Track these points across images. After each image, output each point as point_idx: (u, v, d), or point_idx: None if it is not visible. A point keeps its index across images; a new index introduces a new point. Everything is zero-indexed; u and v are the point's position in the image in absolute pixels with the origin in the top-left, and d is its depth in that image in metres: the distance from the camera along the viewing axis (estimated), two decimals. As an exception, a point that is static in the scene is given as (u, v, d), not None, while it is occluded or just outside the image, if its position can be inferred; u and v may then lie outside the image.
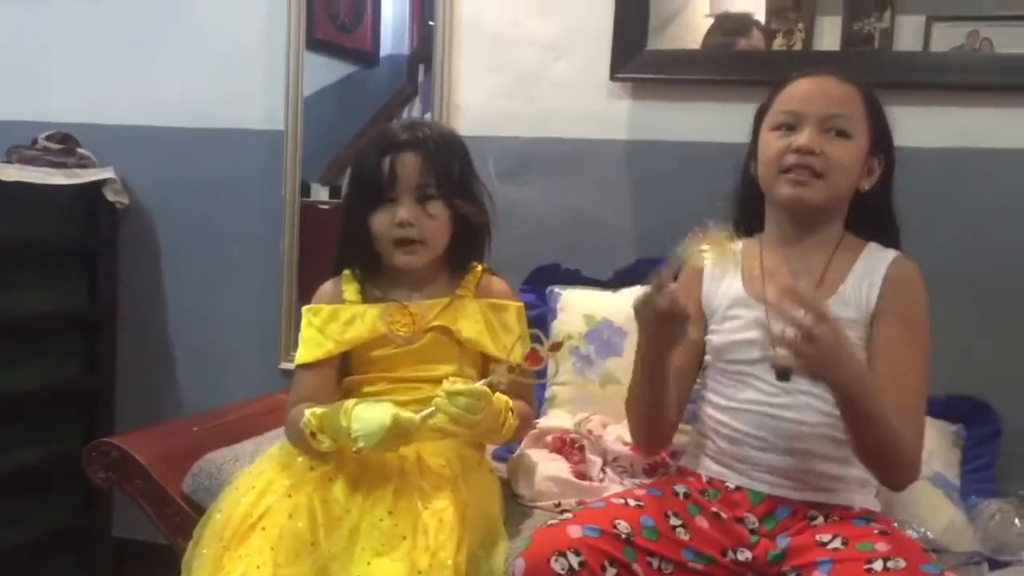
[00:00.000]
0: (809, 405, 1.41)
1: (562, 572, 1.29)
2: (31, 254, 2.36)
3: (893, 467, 1.39)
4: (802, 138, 1.44)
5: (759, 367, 1.44)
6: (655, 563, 1.36)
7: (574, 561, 1.30)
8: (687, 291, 1.56)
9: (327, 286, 1.69)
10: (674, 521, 1.40)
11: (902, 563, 1.28)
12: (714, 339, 1.53)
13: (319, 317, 1.64)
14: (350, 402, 1.45)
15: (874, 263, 1.47)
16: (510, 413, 1.52)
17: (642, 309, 1.37)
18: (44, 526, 2.39)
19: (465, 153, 1.67)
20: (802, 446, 1.43)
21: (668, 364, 1.44)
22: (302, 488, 1.47)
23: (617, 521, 1.36)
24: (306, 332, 1.64)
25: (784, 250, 1.51)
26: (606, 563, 1.32)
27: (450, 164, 1.61)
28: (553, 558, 1.30)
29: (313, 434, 1.46)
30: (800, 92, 1.48)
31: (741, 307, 1.50)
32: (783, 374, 1.30)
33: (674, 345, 1.40)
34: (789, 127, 1.46)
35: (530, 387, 1.64)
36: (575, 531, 1.33)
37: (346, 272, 1.69)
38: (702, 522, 1.42)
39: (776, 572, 1.38)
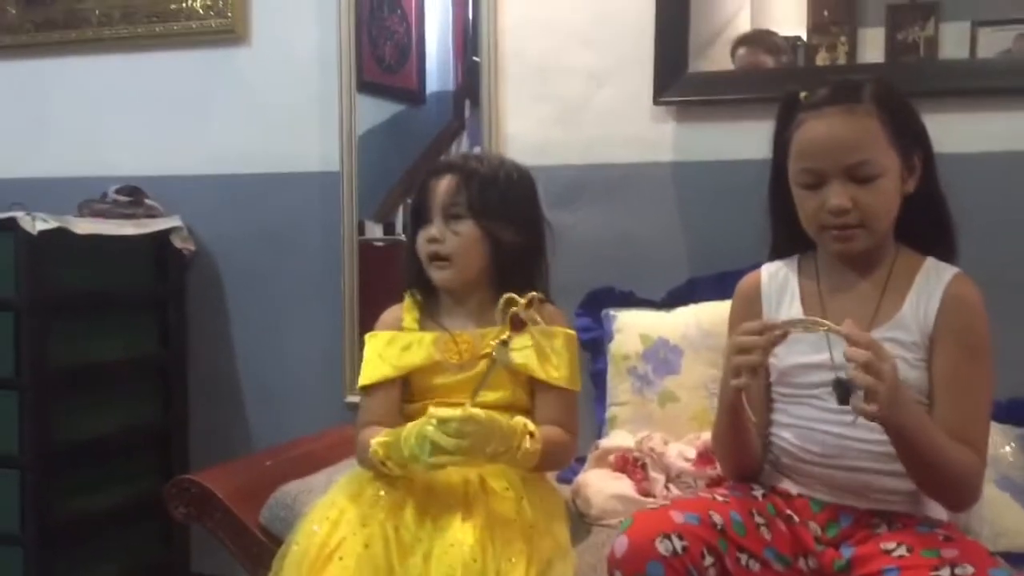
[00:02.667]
0: (868, 424, 1.40)
1: (666, 554, 1.28)
2: (106, 303, 2.46)
3: (949, 493, 1.40)
4: (832, 199, 1.41)
5: (819, 389, 1.43)
6: (743, 559, 1.34)
7: (678, 545, 1.28)
8: (746, 315, 1.56)
9: (388, 313, 1.76)
10: (758, 519, 1.39)
11: (970, 568, 1.27)
12: (775, 362, 1.51)
13: (378, 342, 1.71)
14: (405, 428, 1.50)
15: (932, 283, 1.45)
16: (527, 437, 1.52)
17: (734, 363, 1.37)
18: (127, 564, 2.47)
19: (518, 182, 1.71)
20: (863, 463, 1.43)
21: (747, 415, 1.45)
22: (374, 517, 1.51)
23: (711, 512, 1.35)
24: (367, 356, 1.71)
25: (838, 273, 1.51)
26: (705, 551, 1.30)
27: (488, 187, 1.66)
28: (659, 539, 1.28)
29: (383, 463, 1.52)
30: (814, 144, 1.43)
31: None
32: (844, 396, 1.30)
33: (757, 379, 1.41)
34: (815, 184, 1.44)
35: (570, 412, 1.67)
36: (677, 516, 1.32)
37: (408, 300, 1.75)
38: (779, 524, 1.42)
39: (843, 582, 1.39)
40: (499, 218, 1.66)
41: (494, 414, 1.49)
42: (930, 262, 1.49)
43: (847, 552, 1.39)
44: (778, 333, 1.35)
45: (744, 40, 2.20)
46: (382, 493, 1.54)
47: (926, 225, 1.50)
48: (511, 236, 1.67)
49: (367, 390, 1.70)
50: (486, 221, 1.65)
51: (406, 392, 1.71)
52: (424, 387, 1.69)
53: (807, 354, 1.47)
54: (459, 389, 1.65)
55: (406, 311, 1.74)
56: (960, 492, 1.40)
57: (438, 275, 1.68)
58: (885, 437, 1.36)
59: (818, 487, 1.46)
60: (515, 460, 1.53)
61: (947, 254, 1.51)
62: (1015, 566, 1.40)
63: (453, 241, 1.65)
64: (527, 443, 1.52)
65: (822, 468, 1.46)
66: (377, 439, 1.53)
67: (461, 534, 1.46)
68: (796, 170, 1.47)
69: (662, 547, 1.28)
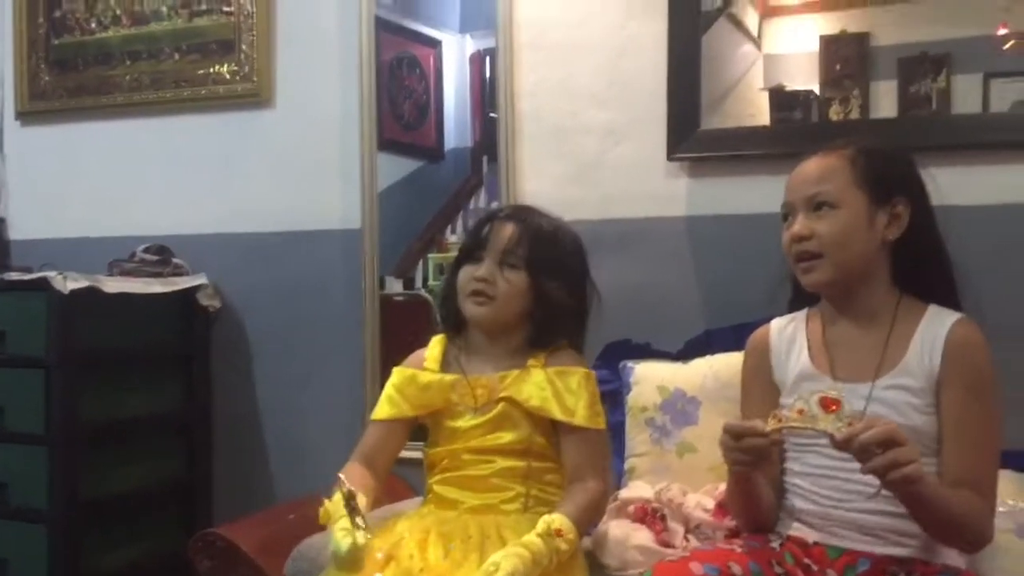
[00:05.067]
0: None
1: None
2: (133, 359, 2.51)
3: (960, 539, 1.42)
4: (794, 226, 1.51)
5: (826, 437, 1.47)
6: None
7: None
8: (756, 369, 1.62)
9: (415, 354, 1.80)
10: (777, 569, 1.42)
11: (986, 616, 1.29)
12: (787, 412, 1.54)
13: (400, 378, 1.76)
14: (339, 518, 1.50)
15: (935, 329, 1.48)
16: (557, 538, 1.52)
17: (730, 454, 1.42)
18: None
19: (570, 247, 1.77)
20: (877, 506, 1.44)
21: (759, 474, 1.49)
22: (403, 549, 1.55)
23: (730, 563, 1.38)
24: (387, 390, 1.76)
25: (842, 323, 1.55)
26: None
27: (547, 246, 1.71)
28: None
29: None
30: (790, 181, 1.55)
31: (809, 381, 1.52)
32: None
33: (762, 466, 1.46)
34: (789, 218, 1.54)
35: (597, 452, 1.70)
36: (696, 568, 1.35)
37: (435, 339, 1.78)
38: (798, 573, 1.43)
39: (860, 629, 1.40)
40: (551, 276, 1.71)
41: (518, 552, 1.46)
42: (932, 309, 1.52)
43: (864, 599, 1.40)
44: (769, 439, 1.38)
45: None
46: (406, 536, 1.58)
47: (925, 274, 1.54)
48: (557, 293, 1.71)
49: (376, 421, 1.74)
50: (538, 276, 1.70)
51: (428, 437, 1.75)
52: (442, 430, 1.73)
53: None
54: (475, 432, 1.69)
55: (430, 350, 1.78)
56: (965, 537, 1.41)
57: (476, 310, 1.71)
58: None
59: (834, 530, 1.47)
60: (564, 555, 1.53)
61: (948, 301, 1.53)
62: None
63: (503, 286, 1.69)
64: (561, 546, 1.52)
65: (839, 512, 1.47)
66: (333, 499, 1.53)
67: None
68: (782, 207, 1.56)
69: None
